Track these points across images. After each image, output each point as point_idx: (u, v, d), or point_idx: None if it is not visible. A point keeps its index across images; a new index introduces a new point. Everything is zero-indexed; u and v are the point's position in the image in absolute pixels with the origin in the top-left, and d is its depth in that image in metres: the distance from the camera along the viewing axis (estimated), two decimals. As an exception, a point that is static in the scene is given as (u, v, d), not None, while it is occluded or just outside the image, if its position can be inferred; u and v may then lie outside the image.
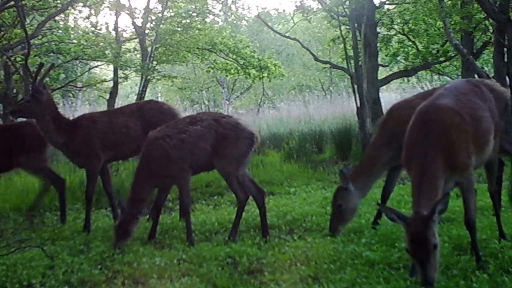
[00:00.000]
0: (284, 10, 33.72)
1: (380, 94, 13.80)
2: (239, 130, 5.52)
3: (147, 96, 20.20)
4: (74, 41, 14.57)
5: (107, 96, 14.71)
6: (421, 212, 3.55)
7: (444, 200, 3.60)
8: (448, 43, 13.84)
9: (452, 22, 12.84)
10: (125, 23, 62.91)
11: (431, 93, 6.01)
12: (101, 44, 14.05)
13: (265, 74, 16.53)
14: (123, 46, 14.98)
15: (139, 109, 6.74)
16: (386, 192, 5.74)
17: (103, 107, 17.12)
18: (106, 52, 14.07)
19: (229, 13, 29.74)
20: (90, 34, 14.72)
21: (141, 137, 6.36)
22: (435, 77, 20.29)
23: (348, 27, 15.67)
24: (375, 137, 5.72)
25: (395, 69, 18.15)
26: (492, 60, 14.06)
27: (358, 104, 12.95)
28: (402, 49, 16.37)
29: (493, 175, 4.73)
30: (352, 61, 15.35)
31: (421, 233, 3.46)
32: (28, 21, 13.22)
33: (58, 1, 12.76)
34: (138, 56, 15.49)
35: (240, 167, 5.52)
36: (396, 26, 15.89)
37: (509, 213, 5.71)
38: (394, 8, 16.01)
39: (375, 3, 14.99)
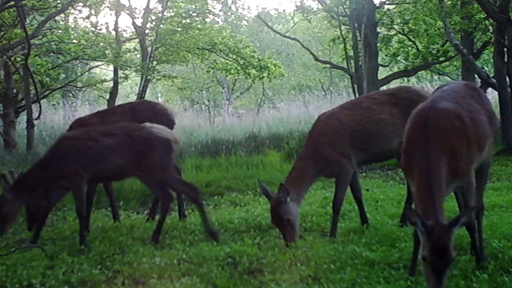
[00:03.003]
0: (284, 10, 33.76)
1: (380, 94, 13.76)
2: (152, 141, 5.50)
3: (147, 96, 20.22)
4: (74, 41, 14.59)
5: (107, 96, 14.72)
6: (441, 221, 3.44)
7: (468, 213, 3.52)
8: (448, 43, 13.86)
9: (452, 22, 12.84)
10: (125, 23, 62.87)
11: (358, 101, 6.02)
12: (101, 44, 14.07)
13: (265, 74, 16.54)
14: (123, 46, 14.99)
15: (132, 109, 6.71)
16: (355, 195, 5.72)
17: (103, 107, 17.12)
18: (106, 52, 14.09)
19: (229, 13, 29.74)
20: (90, 34, 14.74)
21: None
22: (435, 77, 20.31)
23: (348, 27, 15.69)
24: (302, 149, 5.70)
25: (395, 69, 18.15)
26: (492, 60, 14.09)
27: (358, 104, 12.93)
28: (402, 49, 16.37)
29: (484, 182, 4.49)
30: (352, 61, 15.38)
31: (444, 243, 3.36)
32: (28, 21, 13.23)
33: (58, 1, 12.78)
34: (138, 56, 15.50)
35: (166, 173, 5.53)
36: (396, 26, 15.90)
37: (509, 213, 5.71)
38: (394, 8, 16.02)
39: (375, 3, 15.00)
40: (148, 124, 5.70)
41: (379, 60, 15.58)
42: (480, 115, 4.08)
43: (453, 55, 14.59)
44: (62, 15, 14.07)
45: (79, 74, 18.96)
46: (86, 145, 5.44)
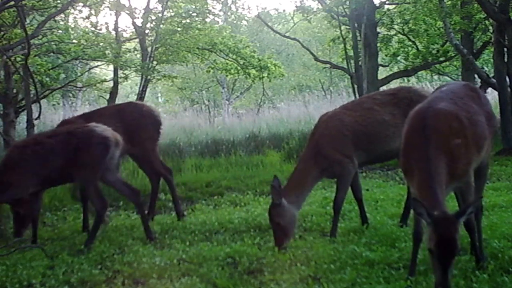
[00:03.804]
0: (284, 10, 33.66)
1: (380, 94, 13.76)
2: (91, 137, 5.50)
3: (147, 96, 20.19)
4: (74, 41, 14.57)
5: (107, 96, 14.71)
6: (447, 213, 3.45)
7: (475, 204, 3.52)
8: (448, 43, 13.85)
9: (452, 22, 12.84)
10: (125, 23, 62.88)
11: (360, 102, 6.00)
12: (101, 44, 14.04)
13: (265, 74, 16.51)
14: (123, 46, 14.96)
15: (118, 111, 6.67)
16: (356, 195, 5.73)
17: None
18: (106, 52, 14.06)
19: (229, 13, 29.70)
20: (90, 34, 14.71)
21: (123, 140, 6.28)
22: (435, 77, 20.30)
23: (348, 27, 15.69)
24: (304, 150, 5.69)
25: (395, 69, 18.14)
26: (492, 60, 14.08)
27: (358, 104, 12.92)
28: (402, 49, 16.36)
29: (483, 183, 4.51)
30: (352, 61, 15.37)
31: (451, 234, 3.36)
32: (28, 21, 13.20)
33: (58, 1, 12.76)
34: (138, 56, 15.48)
35: (99, 174, 5.49)
36: (396, 26, 15.89)
37: (509, 213, 5.72)
38: (394, 8, 16.01)
39: (375, 3, 14.99)
40: (93, 124, 5.67)
41: (379, 60, 15.57)
42: (478, 116, 4.09)
43: (453, 55, 14.59)
44: (62, 15, 14.04)
45: (79, 74, 18.93)
46: (33, 151, 5.43)
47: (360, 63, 14.70)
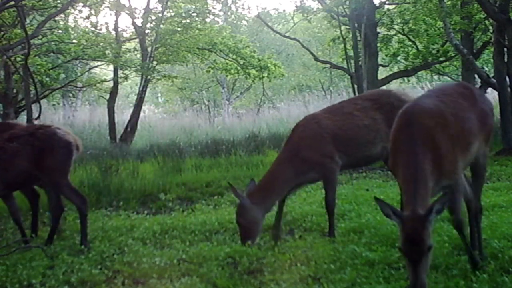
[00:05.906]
0: (284, 10, 33.64)
1: (380, 94, 13.76)
2: (55, 141, 5.44)
3: (147, 96, 20.19)
4: (74, 41, 14.59)
5: (107, 96, 14.73)
6: (417, 211, 3.47)
7: (442, 200, 3.52)
8: (448, 43, 13.85)
9: (452, 22, 12.84)
10: (125, 23, 62.85)
11: (340, 106, 5.95)
12: (101, 44, 14.07)
13: (265, 74, 16.53)
14: (123, 46, 14.98)
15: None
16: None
17: (103, 107, 17.16)
18: (106, 52, 14.09)
19: (229, 13, 29.71)
20: (90, 34, 14.73)
21: None
22: (435, 77, 20.30)
23: (348, 27, 15.69)
24: (280, 153, 5.68)
25: (395, 69, 18.15)
26: (492, 60, 14.09)
27: (358, 104, 12.89)
28: (402, 49, 16.38)
29: (481, 184, 4.52)
30: (352, 61, 15.38)
31: (417, 232, 3.37)
32: (28, 21, 13.21)
33: (58, 1, 12.78)
34: (138, 56, 15.50)
35: (67, 175, 5.47)
36: (396, 26, 15.90)
37: (509, 213, 5.71)
38: (394, 8, 16.02)
39: (375, 3, 15.00)
40: (55, 126, 5.64)
41: (379, 60, 15.58)
42: (466, 113, 4.11)
43: (453, 55, 14.60)
44: (62, 15, 14.06)
45: (79, 74, 18.97)
46: None
47: (360, 63, 14.71)
